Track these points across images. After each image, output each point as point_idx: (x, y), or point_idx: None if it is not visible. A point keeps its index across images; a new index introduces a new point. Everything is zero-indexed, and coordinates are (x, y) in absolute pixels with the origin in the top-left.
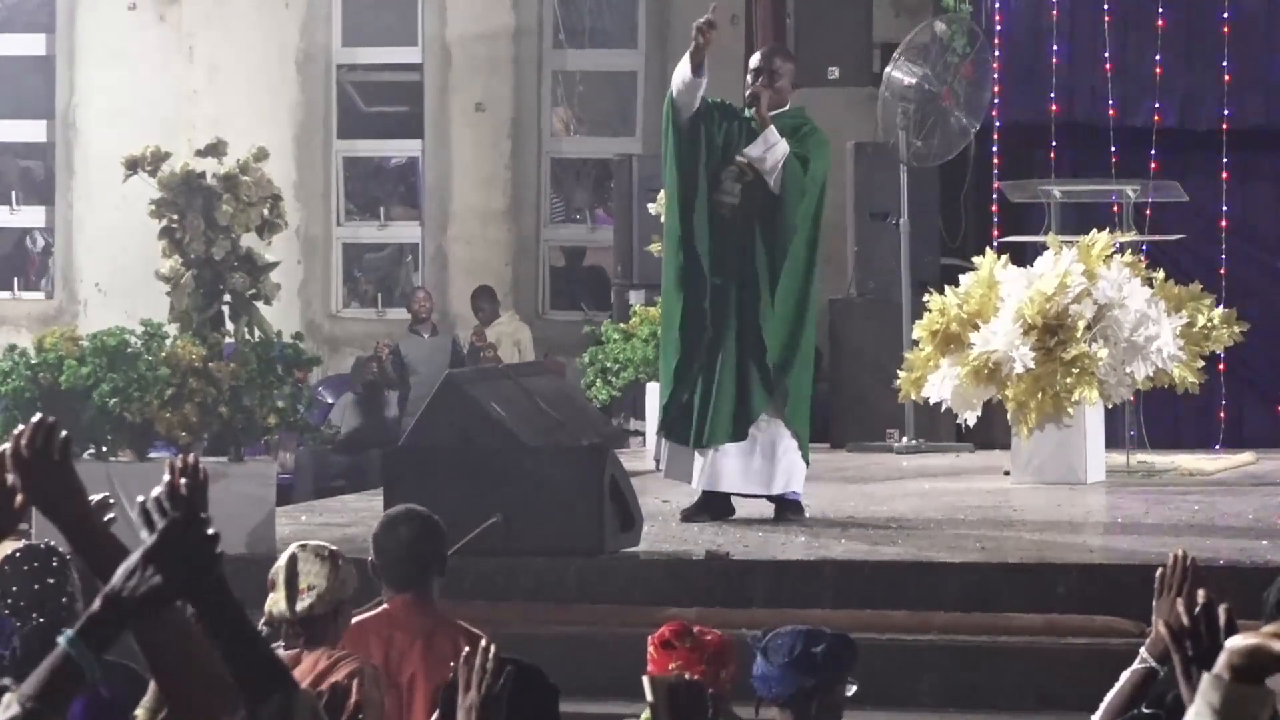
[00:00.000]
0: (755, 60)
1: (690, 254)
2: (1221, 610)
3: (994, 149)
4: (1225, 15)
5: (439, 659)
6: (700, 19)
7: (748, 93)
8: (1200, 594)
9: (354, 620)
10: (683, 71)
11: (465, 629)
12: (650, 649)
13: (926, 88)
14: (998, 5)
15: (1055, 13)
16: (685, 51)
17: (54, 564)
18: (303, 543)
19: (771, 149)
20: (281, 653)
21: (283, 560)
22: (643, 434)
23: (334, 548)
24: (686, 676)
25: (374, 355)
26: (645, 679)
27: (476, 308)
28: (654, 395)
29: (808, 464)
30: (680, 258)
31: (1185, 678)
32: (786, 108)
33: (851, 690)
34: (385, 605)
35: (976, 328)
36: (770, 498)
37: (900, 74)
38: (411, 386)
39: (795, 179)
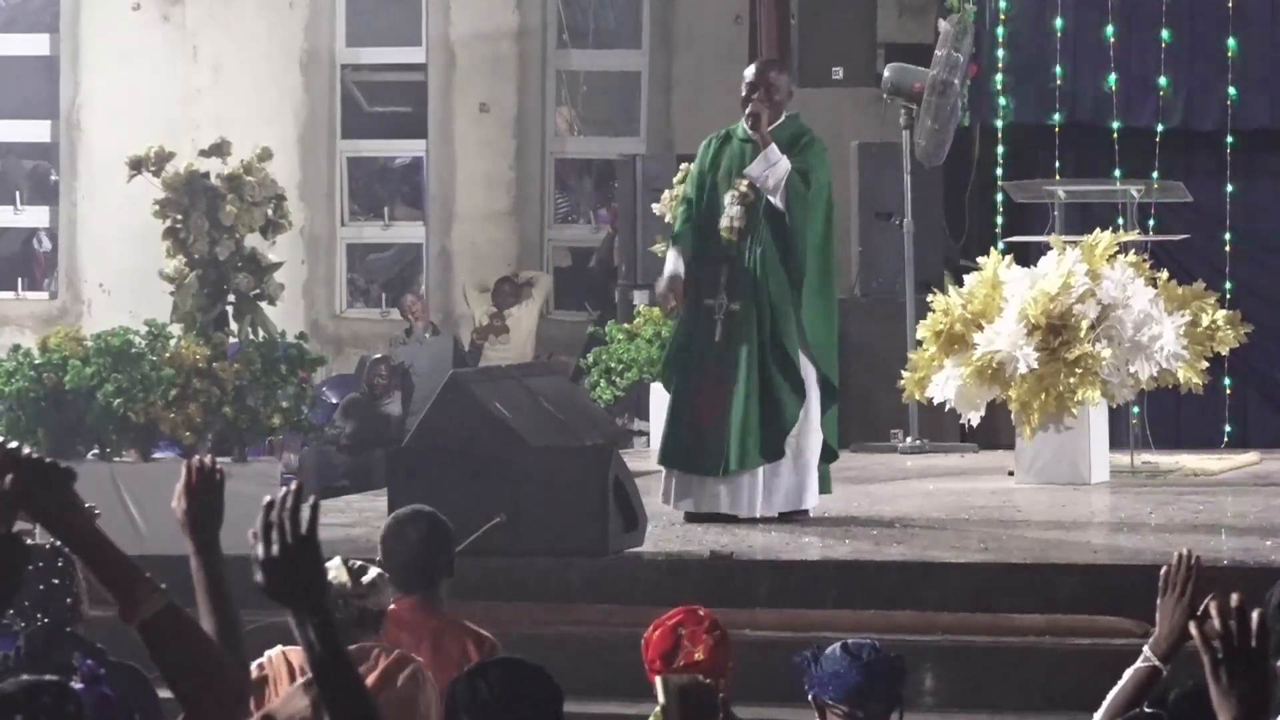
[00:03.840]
0: (751, 75)
1: (699, 282)
2: (1255, 614)
3: (998, 149)
4: (1230, 16)
5: (446, 660)
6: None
7: (747, 111)
8: (1234, 596)
9: None
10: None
11: (472, 630)
12: (658, 632)
13: (956, 84)
14: (1002, 6)
15: (1059, 12)
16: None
17: (59, 564)
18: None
19: (773, 168)
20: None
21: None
22: (646, 434)
23: (373, 571)
24: (701, 679)
25: (382, 356)
26: (658, 679)
27: (498, 293)
28: (658, 396)
29: (837, 454)
30: (691, 288)
31: (1214, 679)
32: (782, 119)
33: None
34: (393, 606)
35: (980, 328)
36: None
37: (935, 74)
38: (415, 386)
39: (798, 195)
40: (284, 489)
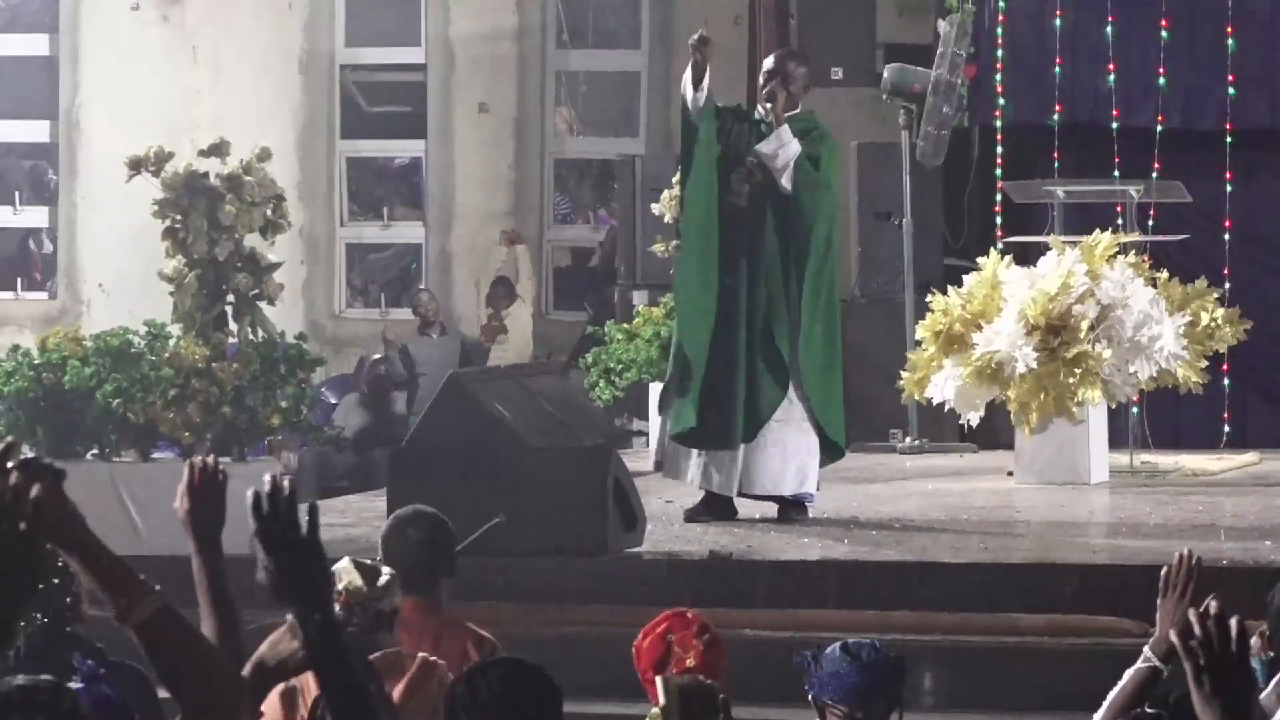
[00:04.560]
0: (770, 63)
1: (700, 256)
2: (1234, 621)
3: (997, 149)
4: (1229, 15)
5: (447, 661)
6: (693, 36)
7: (764, 91)
8: (1213, 603)
9: None
10: (686, 86)
11: (473, 630)
12: (648, 641)
13: (957, 84)
14: (1001, 6)
15: (1059, 13)
16: (687, 53)
17: (59, 564)
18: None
19: (784, 147)
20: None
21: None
22: (646, 434)
23: (386, 571)
24: (701, 679)
25: (383, 357)
26: (659, 680)
27: (493, 294)
28: (657, 396)
29: (845, 451)
30: (690, 260)
31: (1197, 685)
32: (798, 111)
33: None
34: None
35: (980, 328)
36: (776, 498)
37: (938, 74)
38: (420, 386)
39: (807, 178)
40: (268, 479)
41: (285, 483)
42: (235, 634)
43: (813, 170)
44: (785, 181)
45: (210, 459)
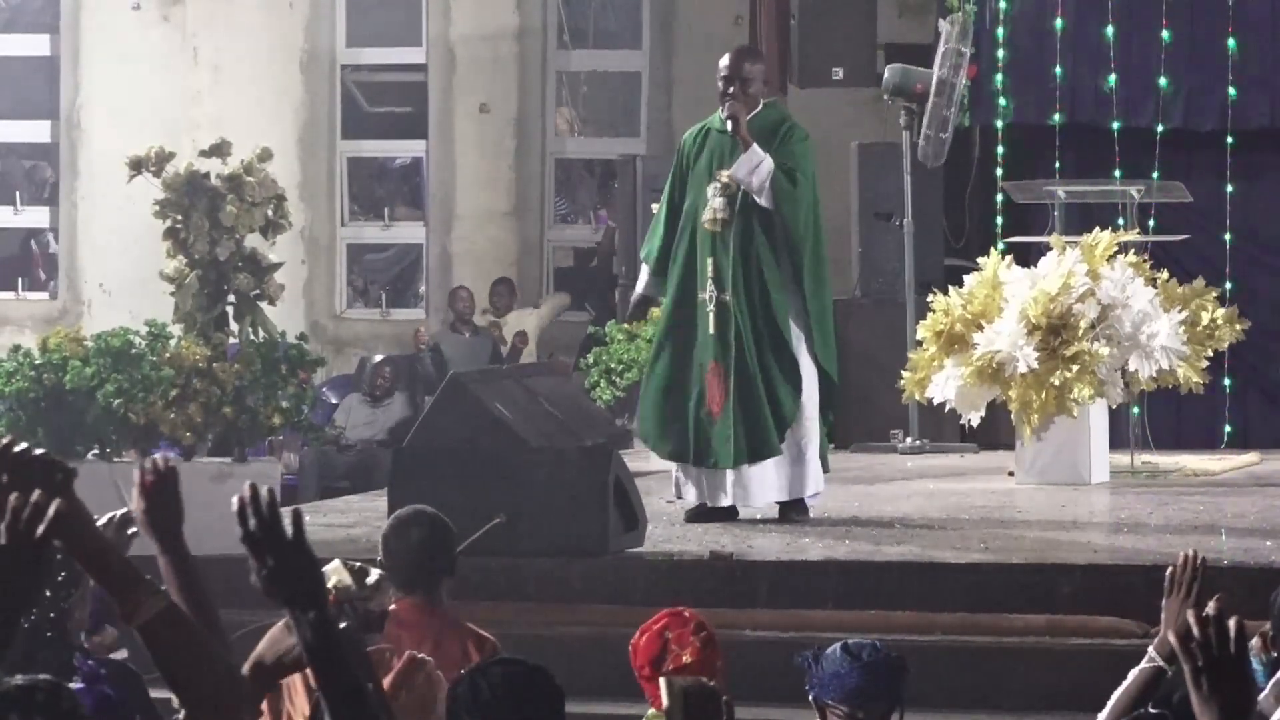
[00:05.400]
0: (725, 67)
1: (682, 277)
2: (1232, 622)
3: (998, 149)
4: (1230, 16)
5: (447, 661)
6: None
7: (726, 111)
8: (1211, 604)
9: None
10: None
11: (473, 631)
12: (645, 638)
13: (959, 85)
14: (1002, 6)
15: (1060, 13)
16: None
17: (60, 577)
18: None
19: (756, 170)
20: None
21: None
22: None
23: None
24: (704, 681)
25: (386, 358)
26: (662, 681)
27: (495, 294)
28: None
29: (836, 381)
30: (673, 282)
31: (1195, 686)
32: (760, 107)
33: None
34: (393, 606)
35: (980, 328)
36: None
37: (942, 74)
38: None
39: (786, 194)
40: (247, 486)
41: (265, 490)
42: (214, 630)
43: (789, 185)
44: (765, 201)
45: (160, 458)
